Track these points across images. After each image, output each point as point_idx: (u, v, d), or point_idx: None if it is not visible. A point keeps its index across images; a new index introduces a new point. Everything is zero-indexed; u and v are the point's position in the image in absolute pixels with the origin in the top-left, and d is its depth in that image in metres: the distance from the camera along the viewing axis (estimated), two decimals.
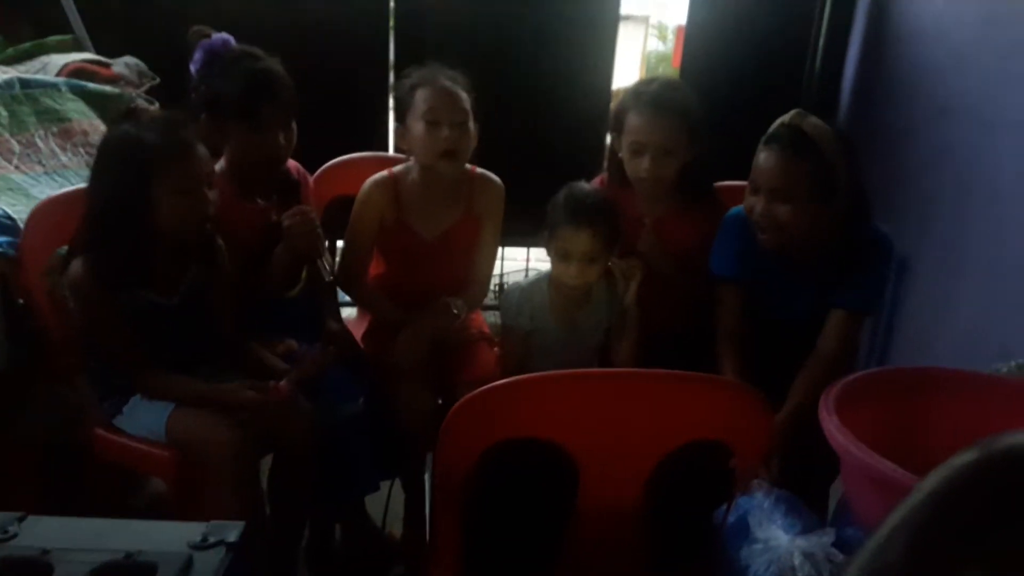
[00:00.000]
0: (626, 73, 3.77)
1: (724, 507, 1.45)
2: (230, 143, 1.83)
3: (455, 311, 1.94)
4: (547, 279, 1.90)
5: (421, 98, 1.87)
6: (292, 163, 2.01)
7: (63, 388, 1.82)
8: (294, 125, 1.86)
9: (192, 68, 1.83)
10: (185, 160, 1.59)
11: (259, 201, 1.91)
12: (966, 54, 2.38)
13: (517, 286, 1.97)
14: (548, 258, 1.87)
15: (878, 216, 1.79)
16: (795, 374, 1.75)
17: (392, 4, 2.79)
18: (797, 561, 1.25)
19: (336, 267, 2.07)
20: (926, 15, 2.62)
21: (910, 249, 2.47)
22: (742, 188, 1.80)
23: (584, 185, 1.87)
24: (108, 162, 1.61)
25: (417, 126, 1.88)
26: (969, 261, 2.29)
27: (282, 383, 1.65)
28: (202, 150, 1.63)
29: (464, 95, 1.90)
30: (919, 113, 2.59)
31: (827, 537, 1.27)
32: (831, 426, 1.39)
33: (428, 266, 2.05)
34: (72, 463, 1.82)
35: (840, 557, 1.23)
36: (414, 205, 2.01)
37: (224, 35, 1.84)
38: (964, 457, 0.49)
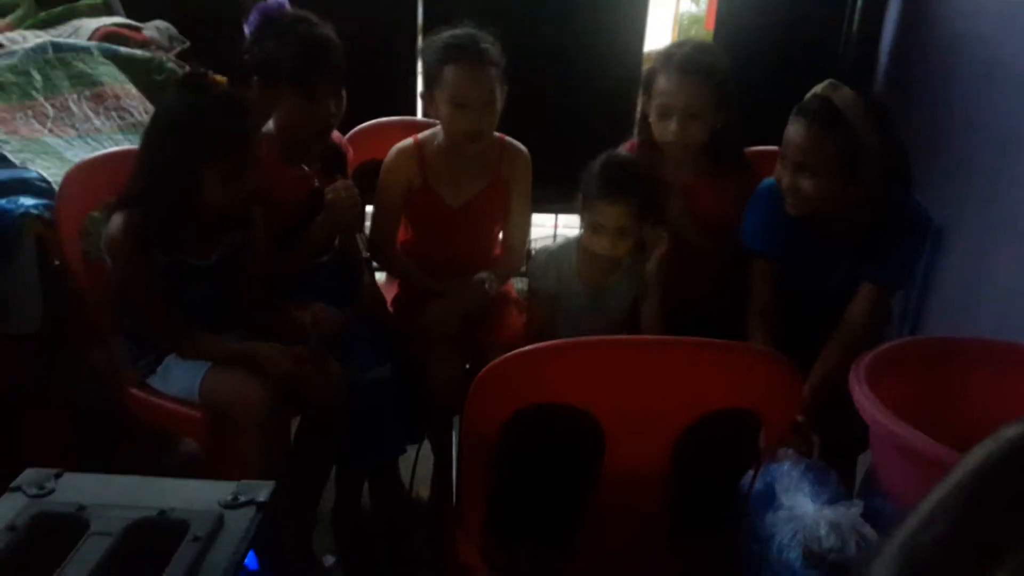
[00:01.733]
0: (658, 36, 3.69)
1: (751, 475, 1.45)
2: (280, 108, 1.82)
3: (487, 287, 1.94)
4: (576, 244, 1.89)
5: (449, 77, 1.83)
6: (335, 133, 2.01)
7: (97, 349, 1.85)
8: (344, 93, 1.84)
9: (246, 29, 1.82)
10: (240, 150, 1.59)
11: (304, 168, 1.90)
12: (1008, 19, 2.30)
13: (546, 249, 1.96)
14: (577, 224, 1.86)
15: (915, 184, 1.75)
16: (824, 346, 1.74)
17: None
18: (823, 531, 1.25)
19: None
20: None
21: (946, 217, 2.41)
22: (775, 153, 1.77)
23: (622, 154, 1.83)
24: (166, 131, 1.61)
25: (444, 105, 1.86)
26: (1007, 229, 2.24)
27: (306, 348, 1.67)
28: (258, 136, 1.63)
29: (493, 71, 1.85)
30: (958, 79, 2.52)
31: (855, 508, 1.26)
32: (861, 396, 1.38)
33: (454, 233, 2.05)
34: (106, 423, 1.86)
35: (868, 529, 1.23)
36: (440, 172, 2.00)
37: None
38: (1008, 432, 0.48)
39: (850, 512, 1.24)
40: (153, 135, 1.64)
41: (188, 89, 1.62)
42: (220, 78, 1.63)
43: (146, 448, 2.01)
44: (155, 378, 1.72)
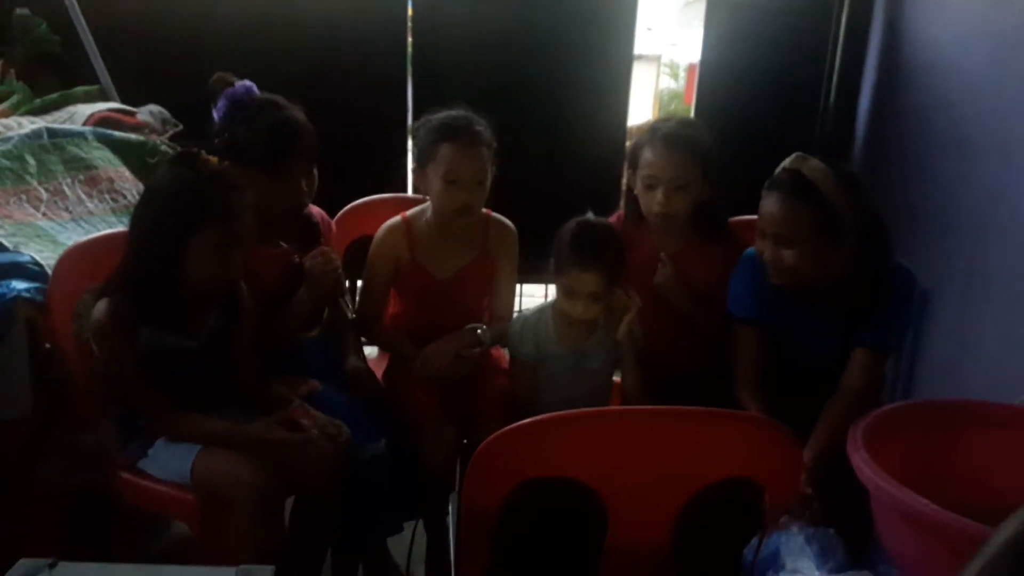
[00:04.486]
0: (640, 111, 3.81)
1: (755, 544, 1.43)
2: (253, 189, 1.85)
3: (479, 333, 1.97)
4: (551, 308, 1.91)
5: (444, 154, 1.88)
6: (315, 209, 2.04)
7: (86, 433, 1.82)
8: (315, 171, 1.89)
9: (215, 115, 1.87)
10: (231, 224, 1.61)
11: (282, 244, 1.93)
12: (978, 86, 2.39)
13: (522, 316, 1.98)
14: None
15: (897, 250, 1.79)
16: (818, 414, 1.74)
17: (410, 46, 2.84)
18: None
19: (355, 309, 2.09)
20: (938, 49, 2.64)
21: (931, 281, 2.45)
22: (756, 222, 1.81)
23: (591, 220, 1.84)
24: (157, 206, 1.63)
25: (436, 181, 1.91)
26: (991, 292, 2.28)
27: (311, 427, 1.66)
28: (249, 216, 1.64)
29: (485, 151, 1.91)
30: (934, 146, 2.60)
31: None
32: (860, 461, 1.37)
33: (442, 305, 2.07)
34: (94, 508, 1.82)
35: None
36: (427, 247, 2.03)
37: (247, 83, 1.87)
38: None
39: None
40: (142, 211, 1.65)
41: (179, 166, 1.65)
42: (212, 158, 1.65)
43: (136, 532, 1.97)
44: (146, 461, 1.69)
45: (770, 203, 1.72)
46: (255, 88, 1.88)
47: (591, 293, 1.77)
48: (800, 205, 1.67)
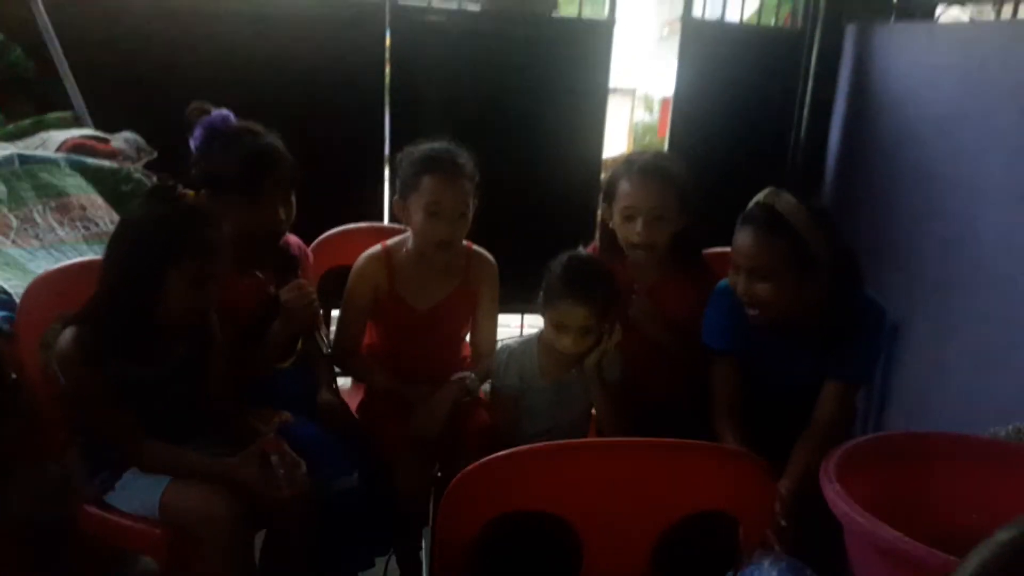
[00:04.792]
0: (614, 143, 3.85)
1: None
2: (229, 217, 1.84)
3: (468, 385, 1.95)
4: (536, 340, 1.91)
5: (426, 186, 1.88)
6: (293, 239, 2.03)
7: (52, 464, 1.79)
8: (293, 199, 1.88)
9: (192, 144, 1.86)
10: (208, 259, 1.59)
11: (257, 275, 1.92)
12: (945, 121, 2.45)
13: (507, 347, 1.97)
14: (542, 321, 1.88)
15: (868, 282, 1.81)
16: (794, 442, 1.75)
17: (387, 77, 2.86)
18: None
19: (331, 339, 2.07)
20: (906, 84, 2.71)
21: (902, 313, 2.49)
22: (729, 255, 1.83)
23: (583, 255, 1.87)
24: (133, 239, 1.60)
25: (418, 212, 1.90)
26: (960, 324, 2.31)
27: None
28: (227, 251, 1.63)
29: (467, 183, 1.92)
30: (903, 180, 2.65)
31: None
32: (832, 493, 1.38)
33: (420, 336, 2.06)
34: (59, 541, 1.78)
35: None
36: (407, 278, 2.02)
37: (224, 111, 1.87)
38: (1002, 536, 0.49)
39: None
40: (117, 245, 1.63)
41: (156, 200, 1.63)
42: (189, 192, 1.64)
43: (102, 566, 1.92)
44: (113, 495, 1.65)
45: (744, 237, 1.74)
46: (232, 116, 1.87)
47: (581, 327, 1.77)
48: (774, 240, 1.69)
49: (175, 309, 1.60)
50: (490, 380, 1.97)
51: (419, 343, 2.06)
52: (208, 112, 1.85)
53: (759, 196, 1.76)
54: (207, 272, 1.60)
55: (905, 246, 2.59)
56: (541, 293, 1.82)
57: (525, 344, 1.93)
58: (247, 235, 1.85)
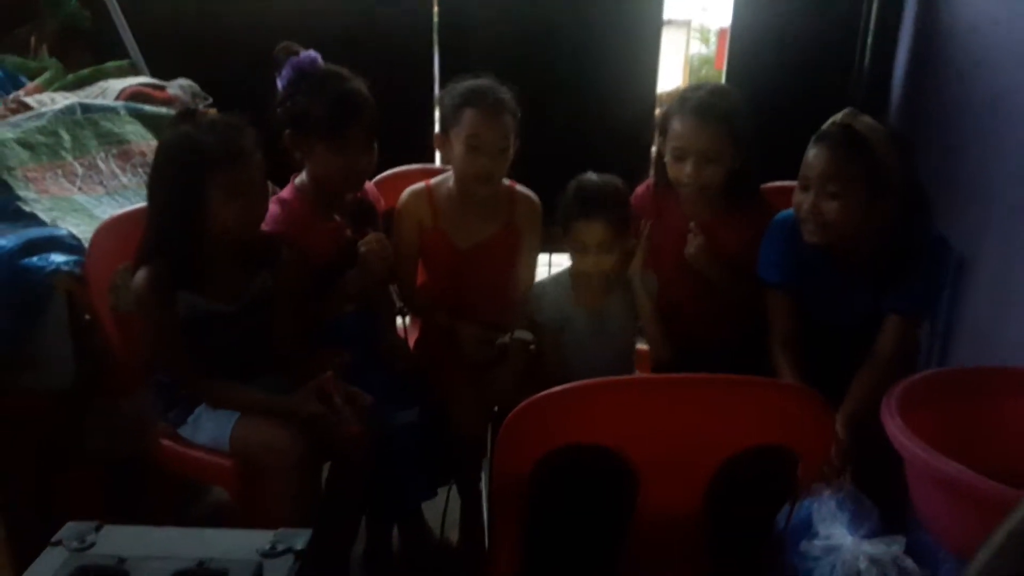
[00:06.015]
0: (669, 77, 3.76)
1: (787, 510, 1.43)
2: (312, 160, 1.86)
3: (525, 339, 1.98)
4: (567, 273, 1.95)
5: (467, 119, 1.87)
6: (370, 186, 2.04)
7: (128, 401, 1.87)
8: (376, 146, 1.88)
9: (279, 83, 1.85)
10: (239, 164, 1.61)
11: (336, 219, 1.93)
12: (1015, 48, 2.32)
13: (540, 283, 2.01)
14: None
15: (935, 215, 1.76)
16: (851, 379, 1.73)
17: (436, 16, 2.83)
18: (863, 566, 1.23)
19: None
20: (977, 9, 2.57)
21: (968, 246, 2.41)
22: (790, 190, 1.78)
23: (591, 176, 1.90)
24: (165, 163, 1.65)
25: (458, 146, 1.89)
26: None
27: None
28: (258, 156, 1.65)
29: (509, 119, 1.90)
30: (973, 108, 2.53)
31: (896, 545, 1.24)
32: (894, 428, 1.37)
33: (464, 275, 2.06)
34: (134, 475, 1.87)
35: (910, 563, 1.21)
36: (450, 215, 2.02)
37: (312, 53, 1.85)
38: None
39: (891, 548, 1.22)
40: (153, 175, 1.68)
41: (180, 123, 1.66)
42: (212, 111, 1.65)
43: (175, 498, 2.02)
44: (186, 428, 1.73)
45: (818, 154, 1.69)
46: (320, 59, 1.86)
47: (600, 243, 1.81)
48: (850, 158, 1.65)
49: (220, 226, 1.62)
50: (532, 316, 1.98)
51: (462, 281, 2.07)
52: (296, 52, 1.84)
53: (837, 116, 1.72)
54: (240, 179, 1.61)
55: (974, 178, 2.49)
56: (560, 224, 1.86)
57: (557, 277, 1.99)
58: (329, 180, 1.86)
